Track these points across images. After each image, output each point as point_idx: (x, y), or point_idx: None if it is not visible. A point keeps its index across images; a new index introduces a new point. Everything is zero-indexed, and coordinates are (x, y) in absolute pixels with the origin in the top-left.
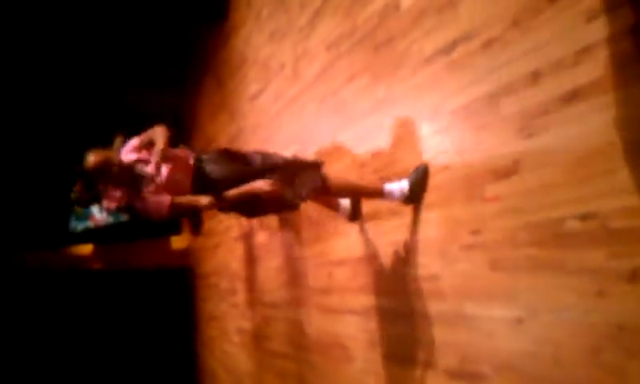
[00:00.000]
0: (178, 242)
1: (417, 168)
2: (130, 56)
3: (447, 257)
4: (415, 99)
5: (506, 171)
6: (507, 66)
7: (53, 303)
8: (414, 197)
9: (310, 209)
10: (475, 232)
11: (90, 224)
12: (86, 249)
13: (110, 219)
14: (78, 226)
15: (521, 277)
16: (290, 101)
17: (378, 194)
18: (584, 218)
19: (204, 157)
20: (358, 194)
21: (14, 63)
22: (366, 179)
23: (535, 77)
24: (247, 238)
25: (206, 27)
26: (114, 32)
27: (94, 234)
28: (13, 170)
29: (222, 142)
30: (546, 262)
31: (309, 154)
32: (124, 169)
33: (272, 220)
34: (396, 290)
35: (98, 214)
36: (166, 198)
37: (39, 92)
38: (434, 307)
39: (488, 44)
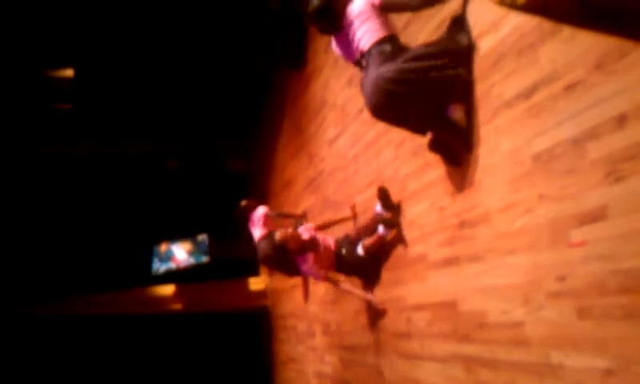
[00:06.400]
0: (256, 283)
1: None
2: (213, 106)
3: (532, 304)
4: (495, 143)
5: (592, 216)
6: (591, 110)
7: (132, 347)
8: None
9: (393, 253)
10: (561, 278)
11: (171, 265)
12: (168, 289)
13: (192, 260)
14: (161, 267)
15: (611, 326)
16: (368, 145)
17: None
18: None
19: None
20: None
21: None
22: (447, 223)
23: (621, 120)
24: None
25: (286, 73)
26: (193, 82)
27: (176, 276)
28: (100, 215)
29: (301, 183)
30: (638, 311)
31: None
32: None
33: None
34: (478, 336)
35: (180, 256)
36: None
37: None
38: (518, 355)
39: (570, 87)
